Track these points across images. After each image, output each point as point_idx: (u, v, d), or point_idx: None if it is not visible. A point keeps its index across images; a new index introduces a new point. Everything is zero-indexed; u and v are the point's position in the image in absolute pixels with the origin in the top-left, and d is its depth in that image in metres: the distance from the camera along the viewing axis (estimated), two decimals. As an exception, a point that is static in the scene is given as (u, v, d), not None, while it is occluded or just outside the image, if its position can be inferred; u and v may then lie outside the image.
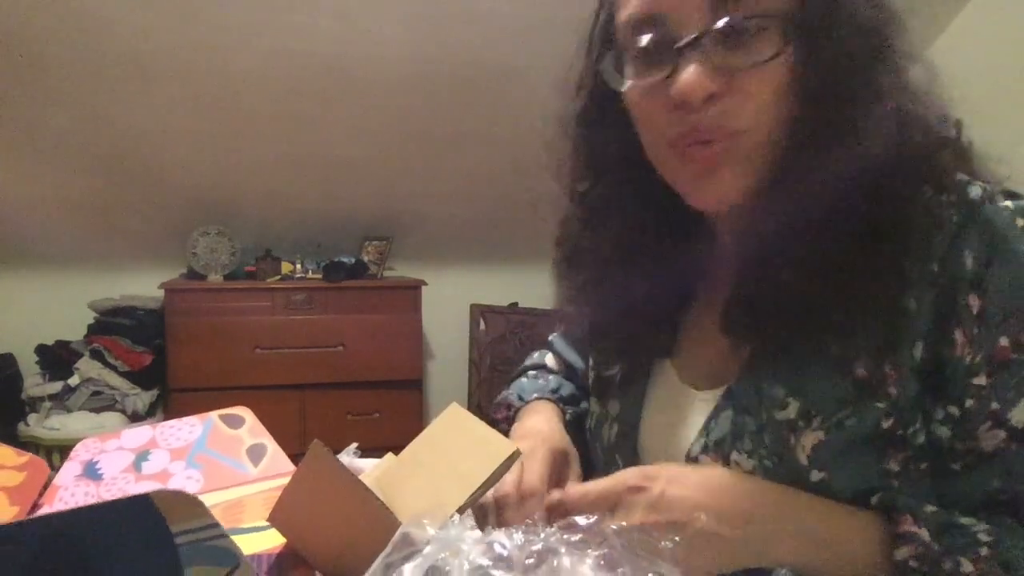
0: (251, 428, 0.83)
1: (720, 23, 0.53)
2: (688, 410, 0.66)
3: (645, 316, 0.69)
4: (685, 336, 0.70)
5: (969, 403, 0.54)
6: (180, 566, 0.42)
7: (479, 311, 3.13)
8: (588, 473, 0.77)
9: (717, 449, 0.61)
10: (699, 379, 0.67)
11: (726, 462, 0.60)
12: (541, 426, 0.75)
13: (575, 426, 0.81)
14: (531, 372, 0.91)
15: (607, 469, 0.73)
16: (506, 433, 0.79)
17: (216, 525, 0.42)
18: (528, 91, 2.31)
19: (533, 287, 3.23)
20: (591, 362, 0.80)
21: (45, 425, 2.43)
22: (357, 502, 0.53)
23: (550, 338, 0.95)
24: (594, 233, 0.69)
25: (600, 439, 0.75)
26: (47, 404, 2.49)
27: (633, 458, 0.70)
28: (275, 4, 2.11)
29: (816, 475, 0.56)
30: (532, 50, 2.18)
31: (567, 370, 0.91)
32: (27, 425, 2.46)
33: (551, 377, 0.88)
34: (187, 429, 0.82)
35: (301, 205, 2.89)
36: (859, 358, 0.56)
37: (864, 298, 0.55)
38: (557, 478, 0.69)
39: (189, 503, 0.41)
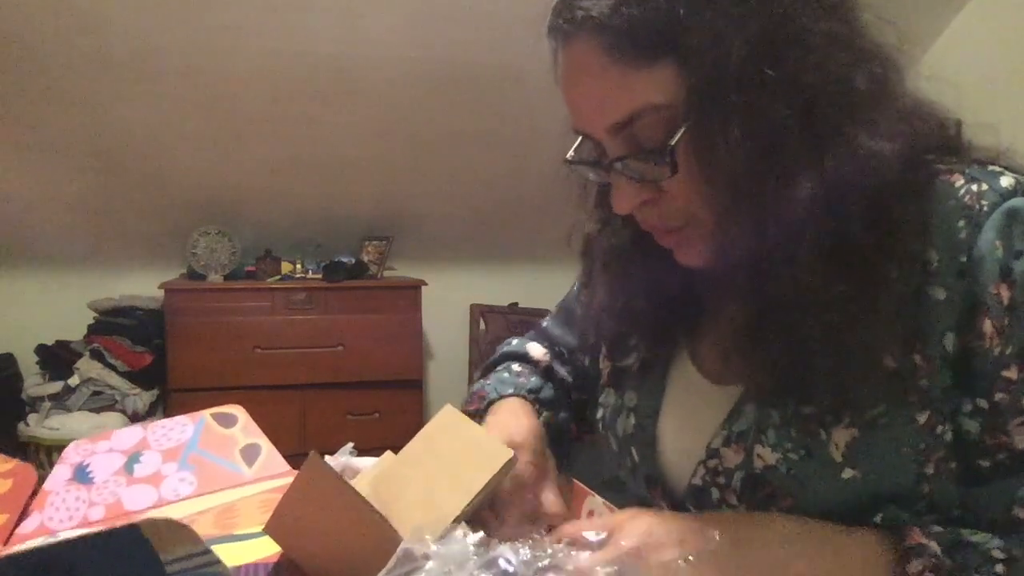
0: (244, 427, 0.82)
1: (613, 160, 0.56)
2: (707, 403, 0.65)
3: (665, 305, 0.68)
4: (706, 329, 0.69)
5: (999, 396, 0.53)
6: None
7: (479, 311, 3.12)
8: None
9: (740, 441, 0.60)
10: (719, 373, 0.66)
11: (749, 455, 0.60)
12: (525, 436, 0.71)
13: (549, 431, 0.79)
14: (514, 365, 0.86)
15: (621, 460, 0.73)
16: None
17: (207, 551, 0.41)
18: (528, 91, 2.30)
19: (533, 287, 3.23)
20: (605, 352, 0.78)
21: (45, 425, 2.42)
22: (355, 514, 0.52)
23: (543, 323, 0.91)
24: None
25: (615, 430, 0.73)
26: (47, 404, 2.48)
27: (649, 450, 0.69)
28: (275, 4, 2.10)
29: (848, 472, 0.55)
30: (532, 50, 2.17)
31: (560, 356, 0.87)
32: (27, 425, 2.45)
33: (533, 378, 0.83)
34: (179, 429, 0.80)
35: (301, 205, 2.88)
36: (886, 349, 0.54)
37: (884, 287, 0.53)
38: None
39: (178, 530, 0.40)
